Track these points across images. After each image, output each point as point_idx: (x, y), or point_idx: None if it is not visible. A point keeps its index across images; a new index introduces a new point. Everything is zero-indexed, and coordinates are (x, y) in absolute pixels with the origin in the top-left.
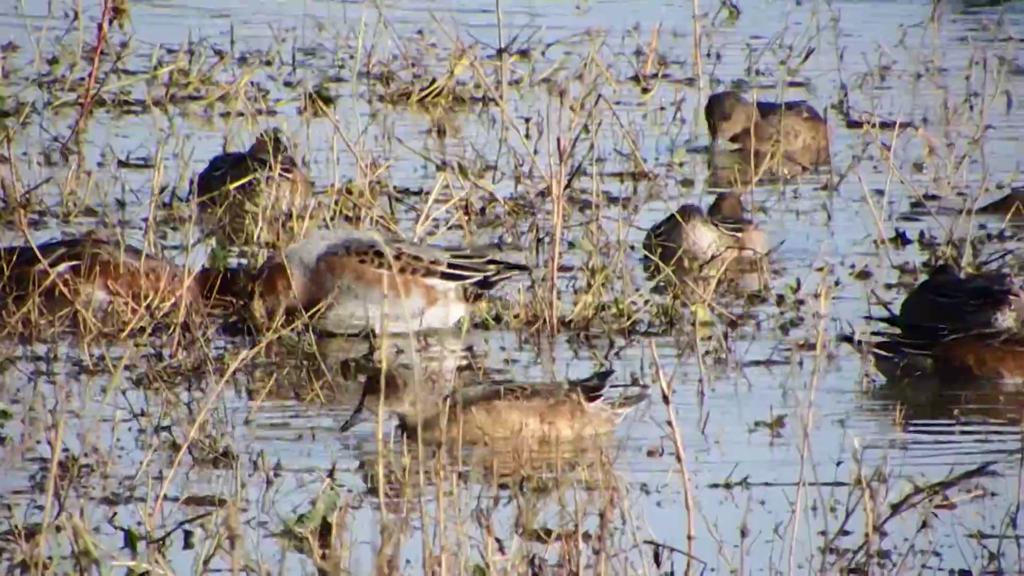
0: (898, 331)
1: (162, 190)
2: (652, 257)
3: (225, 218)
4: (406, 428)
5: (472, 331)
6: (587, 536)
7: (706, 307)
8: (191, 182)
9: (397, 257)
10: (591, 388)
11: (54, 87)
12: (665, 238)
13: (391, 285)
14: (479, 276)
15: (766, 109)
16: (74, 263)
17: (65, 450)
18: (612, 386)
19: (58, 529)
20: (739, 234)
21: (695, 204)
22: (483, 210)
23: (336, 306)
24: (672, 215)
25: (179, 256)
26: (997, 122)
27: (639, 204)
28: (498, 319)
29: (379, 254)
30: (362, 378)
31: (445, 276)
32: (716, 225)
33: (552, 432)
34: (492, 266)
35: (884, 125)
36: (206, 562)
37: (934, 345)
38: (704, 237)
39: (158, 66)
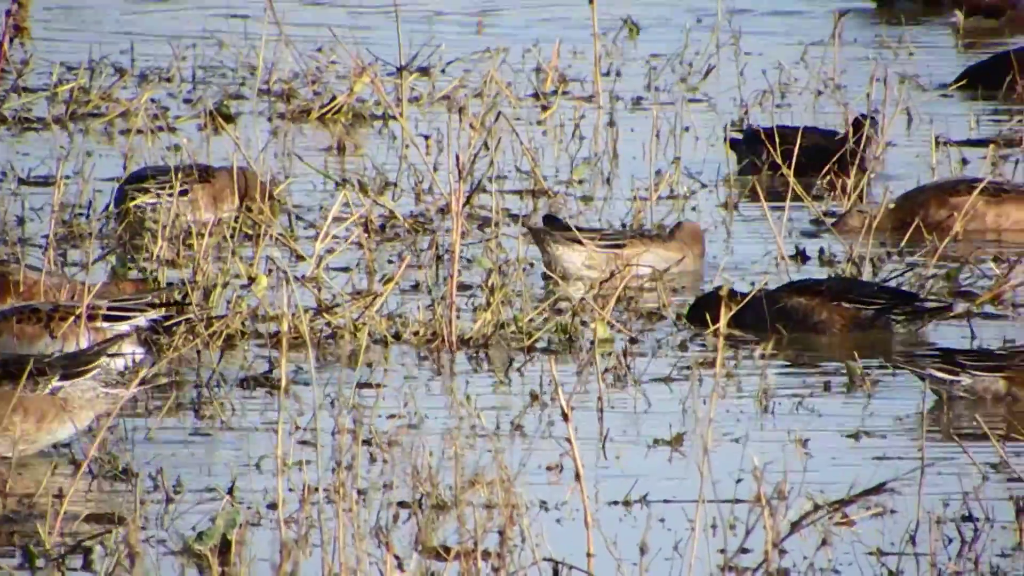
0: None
1: (62, 207)
2: (551, 275)
3: (126, 235)
4: None
5: (371, 348)
6: (487, 554)
7: (605, 325)
8: (89, 201)
9: (55, 310)
10: (71, 365)
11: None
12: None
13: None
14: (142, 319)
15: None
16: None
17: None
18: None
19: None
20: (618, 250)
21: (551, 223)
22: (383, 227)
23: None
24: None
25: (80, 273)
26: (898, 139)
27: (539, 221)
28: (397, 336)
29: (35, 311)
30: None
31: (107, 319)
32: (582, 243)
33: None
34: (154, 309)
35: None
36: None
37: (1004, 367)
38: (567, 257)
39: (59, 84)
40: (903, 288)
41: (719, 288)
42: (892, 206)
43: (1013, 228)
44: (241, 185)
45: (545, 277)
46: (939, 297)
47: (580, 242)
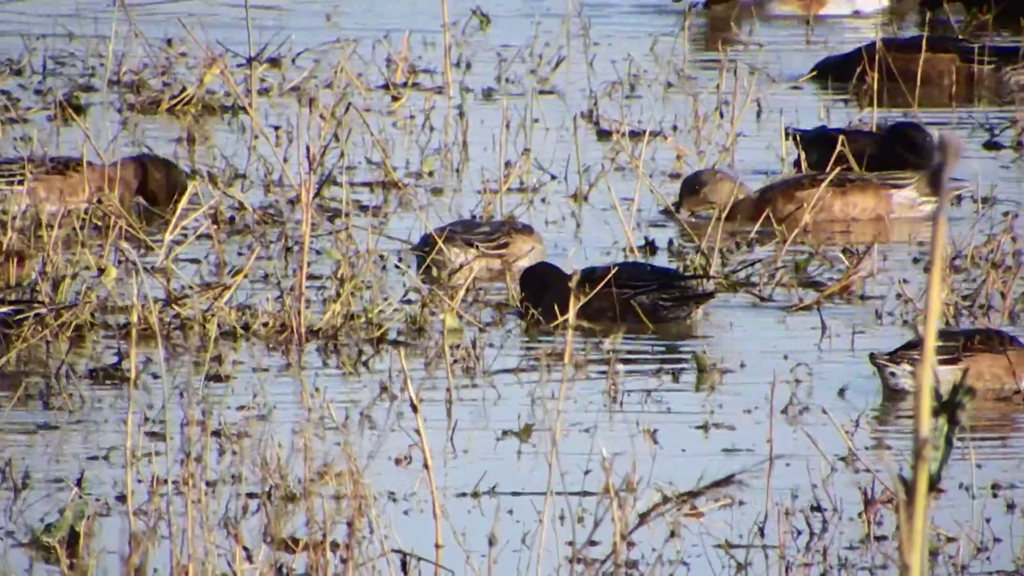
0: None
1: None
2: (400, 267)
3: None
4: None
5: (221, 340)
6: (335, 545)
7: (455, 315)
8: None
9: None
10: None
11: None
12: (430, 252)
13: None
14: None
15: None
16: None
17: None
18: None
19: None
20: (503, 251)
21: (449, 225)
22: (232, 219)
23: None
24: (430, 234)
25: None
26: (748, 130)
27: (389, 213)
28: (247, 328)
29: None
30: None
31: None
32: (476, 245)
33: None
34: (3, 305)
35: (634, 134)
36: None
37: (958, 360)
38: (460, 259)
39: None
40: (686, 272)
41: (539, 267)
42: (754, 196)
43: (861, 216)
44: (140, 176)
45: (428, 278)
46: (703, 283)
47: (473, 244)
